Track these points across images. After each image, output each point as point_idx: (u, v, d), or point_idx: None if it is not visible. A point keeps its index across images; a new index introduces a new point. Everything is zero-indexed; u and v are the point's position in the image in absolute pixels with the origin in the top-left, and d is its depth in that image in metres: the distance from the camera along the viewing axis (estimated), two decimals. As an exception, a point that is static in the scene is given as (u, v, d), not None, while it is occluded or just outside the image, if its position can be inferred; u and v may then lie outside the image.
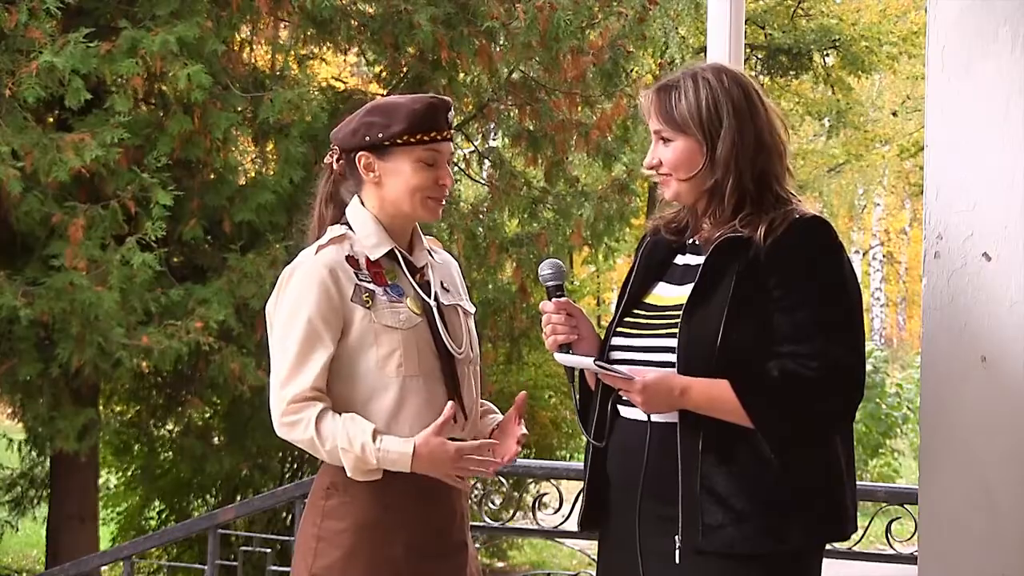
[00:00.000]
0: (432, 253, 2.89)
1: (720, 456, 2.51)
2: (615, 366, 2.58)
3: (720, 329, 2.50)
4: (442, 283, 2.85)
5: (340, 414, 2.66)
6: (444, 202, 2.83)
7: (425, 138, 2.74)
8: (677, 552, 2.52)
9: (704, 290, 2.55)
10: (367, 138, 2.74)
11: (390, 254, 2.78)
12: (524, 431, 2.81)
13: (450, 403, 2.68)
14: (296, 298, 2.69)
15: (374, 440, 2.62)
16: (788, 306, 2.51)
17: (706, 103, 2.58)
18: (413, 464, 2.63)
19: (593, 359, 2.60)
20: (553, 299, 2.71)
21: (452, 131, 2.82)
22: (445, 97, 2.83)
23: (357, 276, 2.72)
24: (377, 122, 2.74)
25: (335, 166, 2.84)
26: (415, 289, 2.77)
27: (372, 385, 2.69)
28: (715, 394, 2.50)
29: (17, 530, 10.62)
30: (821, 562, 2.65)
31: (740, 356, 2.50)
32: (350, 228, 2.78)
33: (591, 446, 2.72)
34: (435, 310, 2.77)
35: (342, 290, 2.69)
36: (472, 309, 2.92)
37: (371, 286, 2.72)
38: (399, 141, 2.73)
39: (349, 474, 2.66)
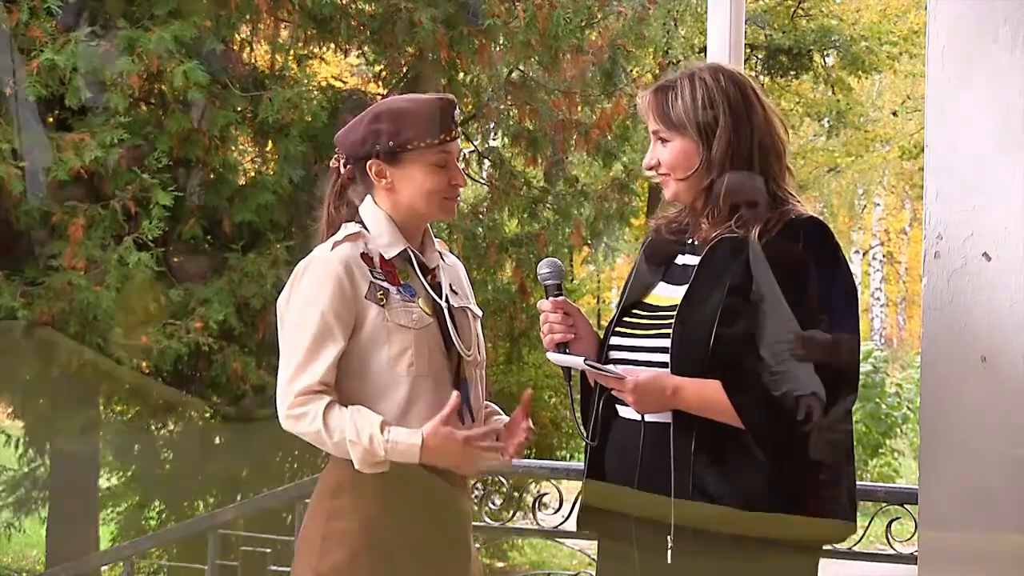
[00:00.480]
0: (443, 256, 2.89)
1: (712, 456, 2.50)
2: (607, 366, 2.57)
3: (713, 329, 2.50)
4: (451, 285, 2.85)
5: (347, 407, 2.65)
6: (459, 200, 2.84)
7: (435, 142, 2.73)
8: (669, 552, 2.51)
9: (698, 290, 2.55)
10: (376, 146, 2.73)
11: (403, 254, 2.77)
12: (530, 425, 2.81)
13: (455, 393, 2.68)
14: (309, 292, 2.69)
15: (382, 432, 2.62)
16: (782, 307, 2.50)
17: (702, 103, 2.58)
18: (422, 455, 2.63)
19: (583, 359, 2.60)
20: (551, 298, 2.71)
21: (459, 129, 2.82)
22: (449, 96, 2.82)
23: (372, 274, 2.71)
24: (385, 129, 2.73)
25: (342, 171, 2.83)
26: (427, 290, 2.77)
27: (382, 383, 2.69)
28: (707, 394, 2.49)
29: (22, 531, 10.61)
30: (816, 563, 2.64)
31: (733, 356, 2.49)
32: (364, 227, 2.78)
33: (589, 445, 2.72)
34: (446, 311, 2.77)
35: (356, 287, 2.68)
36: (480, 313, 2.92)
37: (385, 284, 2.72)
38: (409, 147, 2.73)
39: (357, 466, 2.65)
